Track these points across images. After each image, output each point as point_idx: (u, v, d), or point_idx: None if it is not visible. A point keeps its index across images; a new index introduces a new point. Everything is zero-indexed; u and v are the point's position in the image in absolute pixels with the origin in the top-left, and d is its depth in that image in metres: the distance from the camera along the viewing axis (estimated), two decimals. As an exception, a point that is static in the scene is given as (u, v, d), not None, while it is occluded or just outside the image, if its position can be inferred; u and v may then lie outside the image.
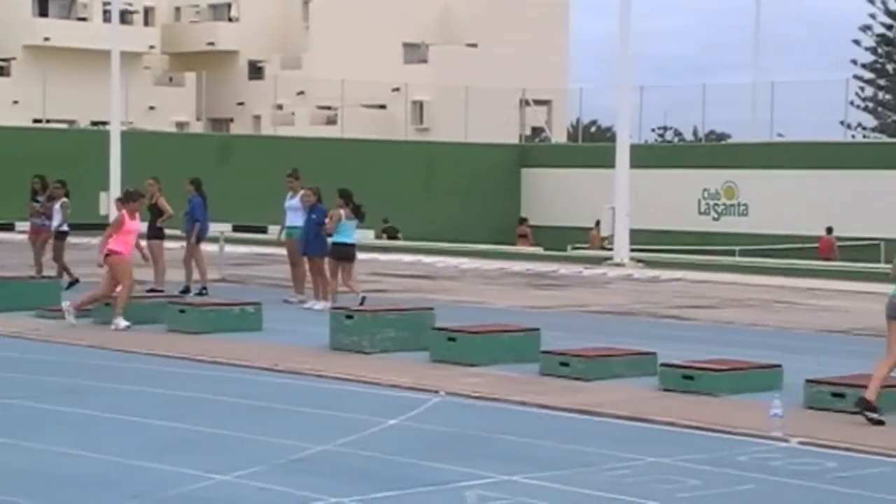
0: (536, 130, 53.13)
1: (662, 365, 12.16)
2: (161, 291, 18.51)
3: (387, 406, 10.84)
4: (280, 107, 55.80)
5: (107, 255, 15.96)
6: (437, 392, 11.58)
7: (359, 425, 9.96)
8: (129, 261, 16.22)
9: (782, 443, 9.49)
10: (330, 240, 18.23)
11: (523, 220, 41.98)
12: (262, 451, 8.95)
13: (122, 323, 15.58)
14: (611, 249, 32.38)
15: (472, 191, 45.69)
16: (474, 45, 58.96)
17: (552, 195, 45.66)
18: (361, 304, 16.63)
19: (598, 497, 7.77)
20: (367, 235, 29.70)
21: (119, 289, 15.89)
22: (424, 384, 11.90)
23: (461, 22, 58.88)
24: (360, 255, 25.28)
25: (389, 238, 39.73)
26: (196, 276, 20.00)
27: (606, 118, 58.18)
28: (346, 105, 49.78)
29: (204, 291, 19.56)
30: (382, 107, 54.84)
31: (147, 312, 16.11)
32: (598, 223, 37.85)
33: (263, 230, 29.73)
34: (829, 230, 37.00)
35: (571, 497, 7.77)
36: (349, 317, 14.38)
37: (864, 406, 10.14)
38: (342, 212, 18.26)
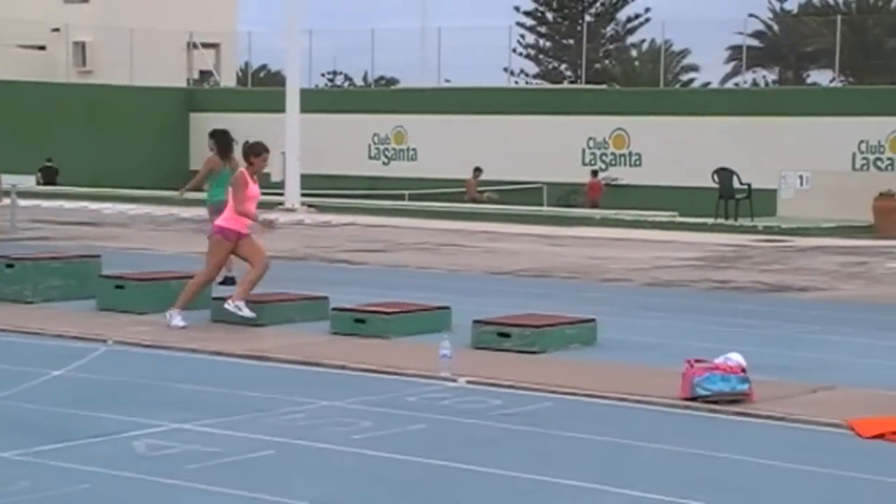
0: (205, 74, 52.35)
1: (334, 309, 12.22)
2: None
3: (51, 357, 10.50)
4: (-74, 45, 53.03)
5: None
6: (104, 341, 11.30)
7: (21, 377, 9.60)
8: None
9: (451, 382, 9.69)
10: None
11: None
12: (-83, 408, 8.51)
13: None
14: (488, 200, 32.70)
15: (140, 135, 44.69)
16: (139, -14, 57.41)
17: (222, 140, 45.10)
18: None
19: (271, 441, 7.75)
20: (27, 181, 28.67)
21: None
22: (91, 333, 11.59)
23: (124, -39, 57.29)
24: (21, 202, 24.36)
25: (47, 181, 38.47)
26: None
27: (276, 62, 57.81)
28: (1, 45, 47.70)
29: None
30: (41, 47, 52.84)
31: None
32: (476, 170, 37.12)
33: None
34: (595, 173, 37.87)
35: (244, 442, 7.72)
36: (10, 265, 13.84)
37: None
38: None
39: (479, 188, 36.85)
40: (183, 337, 11.49)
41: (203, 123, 46.42)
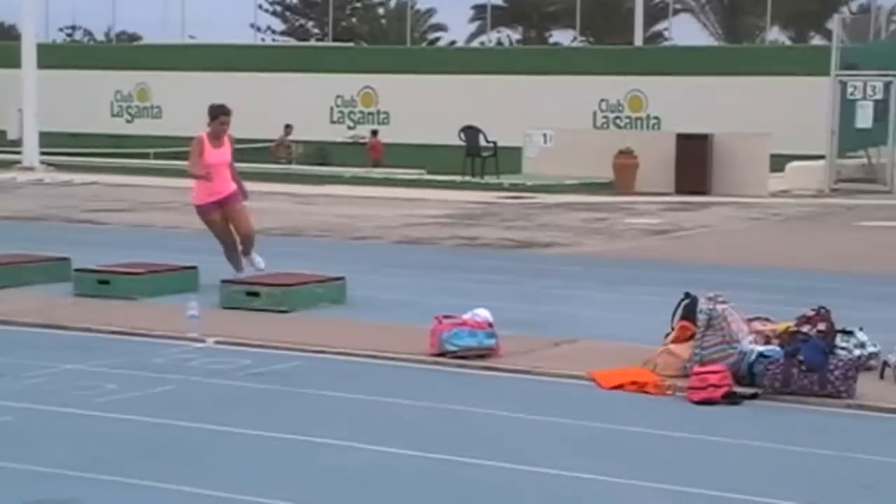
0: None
1: (77, 270, 11.91)
2: None
3: None
4: None
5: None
6: None
7: None
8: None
9: (199, 343, 9.57)
10: None
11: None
12: None
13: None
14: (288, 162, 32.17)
15: None
16: None
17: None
18: None
19: (11, 407, 7.51)
20: None
21: None
22: None
23: None
24: None
25: None
26: None
27: (9, 16, 55.85)
28: None
29: None
30: None
31: None
32: (286, 126, 36.52)
33: None
34: (375, 132, 37.66)
35: (-17, 410, 7.45)
36: None
37: None
38: None
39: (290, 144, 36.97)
40: (-84, 301, 11.02)
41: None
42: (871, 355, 8.71)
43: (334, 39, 48.10)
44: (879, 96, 27.29)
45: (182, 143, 38.63)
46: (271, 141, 38.35)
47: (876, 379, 8.41)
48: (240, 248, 12.68)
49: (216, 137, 12.44)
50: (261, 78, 39.88)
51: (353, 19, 62.92)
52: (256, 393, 8.13)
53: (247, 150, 37.53)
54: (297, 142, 37.85)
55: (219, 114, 12.43)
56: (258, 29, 54.38)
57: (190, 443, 6.94)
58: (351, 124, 39.68)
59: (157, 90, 41.49)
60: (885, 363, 8.50)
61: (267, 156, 35.96)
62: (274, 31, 61.95)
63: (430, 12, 62.08)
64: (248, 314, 10.73)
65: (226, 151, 12.50)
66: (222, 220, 12.53)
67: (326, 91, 39.62)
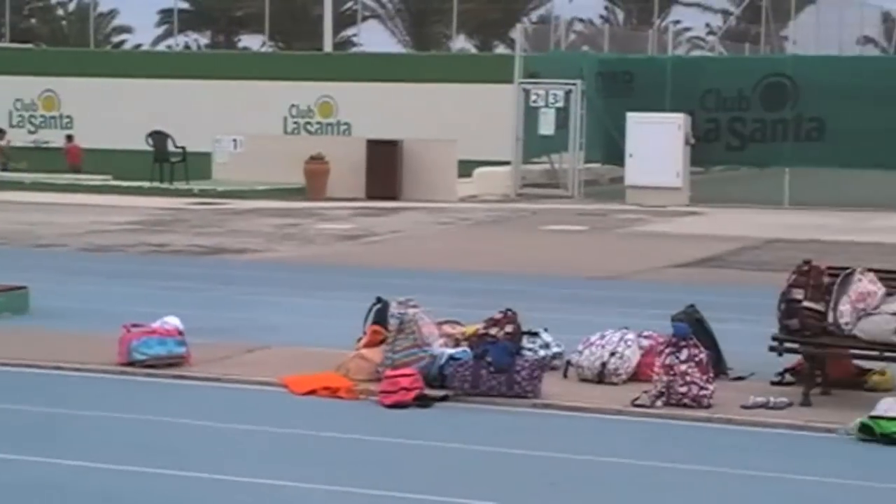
0: None
1: None
2: None
3: None
4: None
5: None
6: None
7: None
8: None
9: None
10: None
11: None
12: None
13: None
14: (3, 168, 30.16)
15: None
16: None
17: None
18: None
19: None
20: None
21: None
22: None
23: None
24: None
25: None
26: None
27: None
28: None
29: None
30: None
31: None
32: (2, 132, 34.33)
33: None
34: (70, 137, 36.06)
35: None
36: None
37: None
38: None
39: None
40: None
41: None
42: (556, 355, 8.97)
43: (12, 40, 46.45)
44: (561, 104, 28.15)
45: None
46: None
47: (560, 378, 8.67)
48: None
49: None
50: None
51: (32, 20, 60.92)
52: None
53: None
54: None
55: None
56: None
57: None
58: (32, 128, 38.38)
59: None
60: (569, 362, 8.77)
61: None
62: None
63: (112, 13, 60.70)
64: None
65: None
66: None
67: (5, 94, 38.23)
